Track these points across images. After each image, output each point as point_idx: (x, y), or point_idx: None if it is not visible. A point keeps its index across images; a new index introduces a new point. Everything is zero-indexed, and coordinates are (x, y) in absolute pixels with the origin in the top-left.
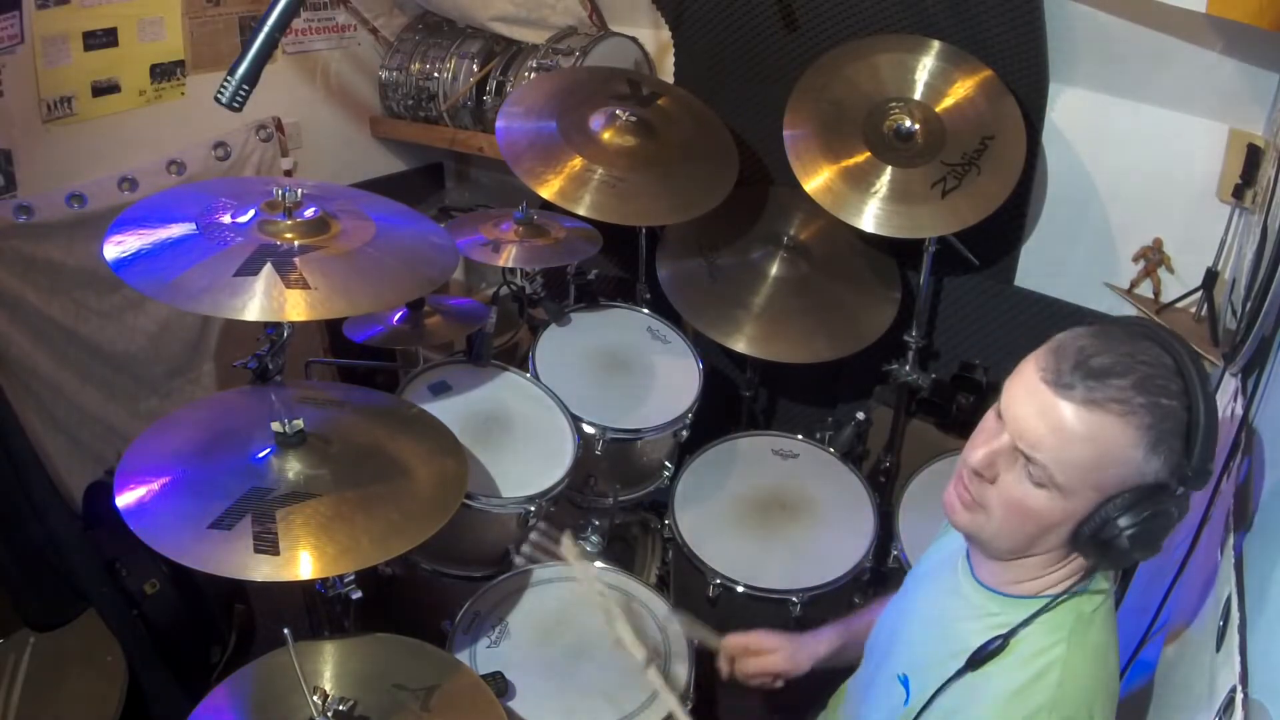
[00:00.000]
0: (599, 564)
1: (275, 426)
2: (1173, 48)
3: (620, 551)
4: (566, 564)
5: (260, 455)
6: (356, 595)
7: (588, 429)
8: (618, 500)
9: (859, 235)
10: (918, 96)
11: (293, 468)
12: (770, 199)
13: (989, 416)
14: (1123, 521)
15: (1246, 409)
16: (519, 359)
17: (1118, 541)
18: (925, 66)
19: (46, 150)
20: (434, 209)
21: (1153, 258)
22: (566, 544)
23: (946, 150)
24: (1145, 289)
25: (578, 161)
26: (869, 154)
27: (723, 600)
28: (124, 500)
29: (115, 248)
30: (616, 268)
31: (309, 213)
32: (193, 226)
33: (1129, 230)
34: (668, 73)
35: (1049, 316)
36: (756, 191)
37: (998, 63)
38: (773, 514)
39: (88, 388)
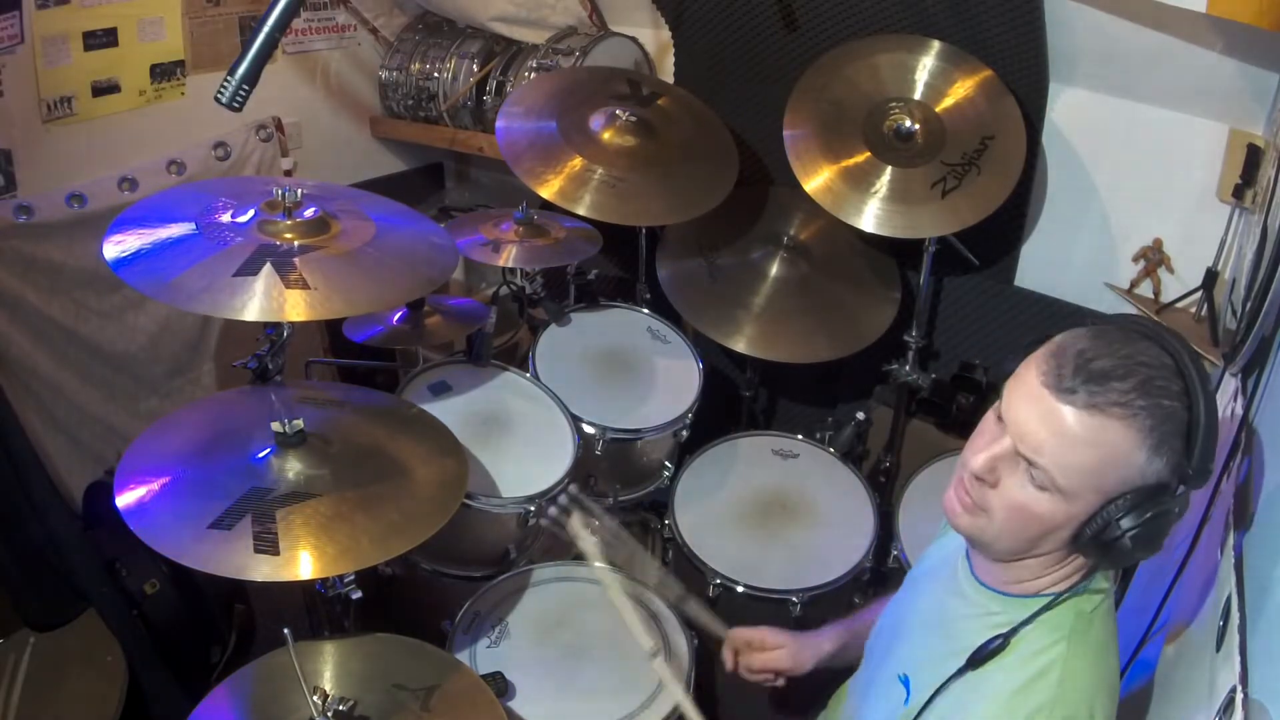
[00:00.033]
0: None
1: (275, 426)
2: (1173, 48)
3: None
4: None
5: (260, 455)
6: (356, 595)
7: (588, 429)
8: (618, 500)
9: (859, 235)
10: (918, 96)
11: (293, 468)
12: (770, 199)
13: (988, 419)
14: (1125, 522)
15: (1246, 409)
16: (519, 359)
17: (1120, 542)
18: (925, 66)
19: (46, 150)
20: (434, 209)
21: (1153, 258)
22: (575, 524)
23: (946, 150)
24: (1145, 289)
25: (578, 161)
26: (869, 154)
27: (723, 600)
28: (124, 500)
29: (115, 248)
30: (616, 268)
31: (309, 213)
32: (192, 226)
33: (1129, 230)
34: (668, 73)
35: (1049, 316)
36: (756, 191)
37: (998, 63)
38: (773, 514)
39: (88, 388)
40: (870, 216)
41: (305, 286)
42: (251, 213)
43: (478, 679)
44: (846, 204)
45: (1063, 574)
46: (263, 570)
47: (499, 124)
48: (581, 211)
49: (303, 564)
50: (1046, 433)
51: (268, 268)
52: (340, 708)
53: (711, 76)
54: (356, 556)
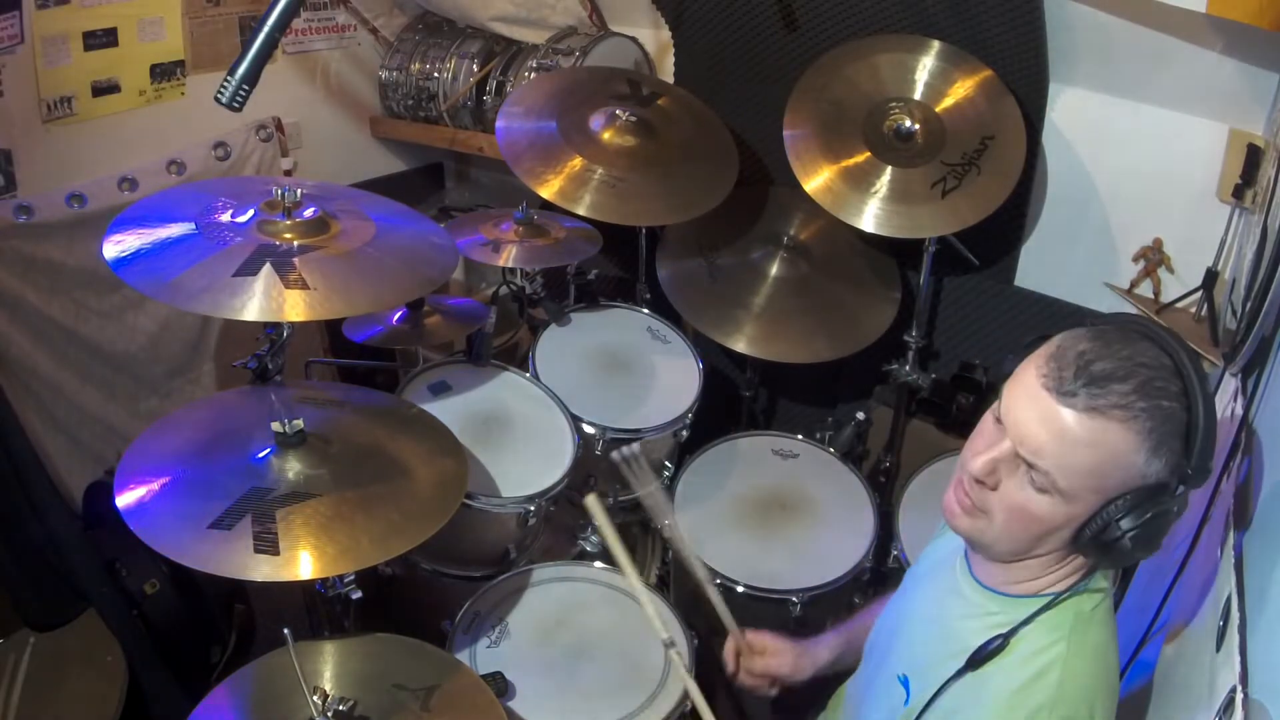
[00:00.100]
0: (599, 564)
1: (275, 426)
2: (1173, 48)
3: None
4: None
5: (260, 455)
6: (356, 595)
7: (588, 429)
8: (618, 500)
9: (859, 235)
10: (918, 96)
11: (293, 468)
12: (770, 199)
13: (987, 420)
14: (1125, 523)
15: (1246, 409)
16: (519, 359)
17: (1120, 543)
18: (925, 66)
19: (46, 150)
20: (434, 209)
21: (1153, 258)
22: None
23: (946, 150)
24: (1145, 289)
25: (578, 161)
26: (869, 154)
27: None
28: (124, 500)
29: (115, 247)
30: (616, 268)
31: (309, 213)
32: (192, 226)
33: (1129, 230)
34: (668, 73)
35: (1049, 316)
36: (756, 191)
37: (998, 63)
38: (773, 514)
39: (88, 388)
40: (870, 216)
41: (305, 286)
42: (251, 213)
43: (478, 679)
44: (846, 204)
45: (1062, 574)
46: (263, 570)
47: (499, 124)
48: (581, 211)
49: (303, 564)
50: (1047, 435)
51: (267, 268)
52: (340, 708)
53: (711, 76)
54: (356, 556)
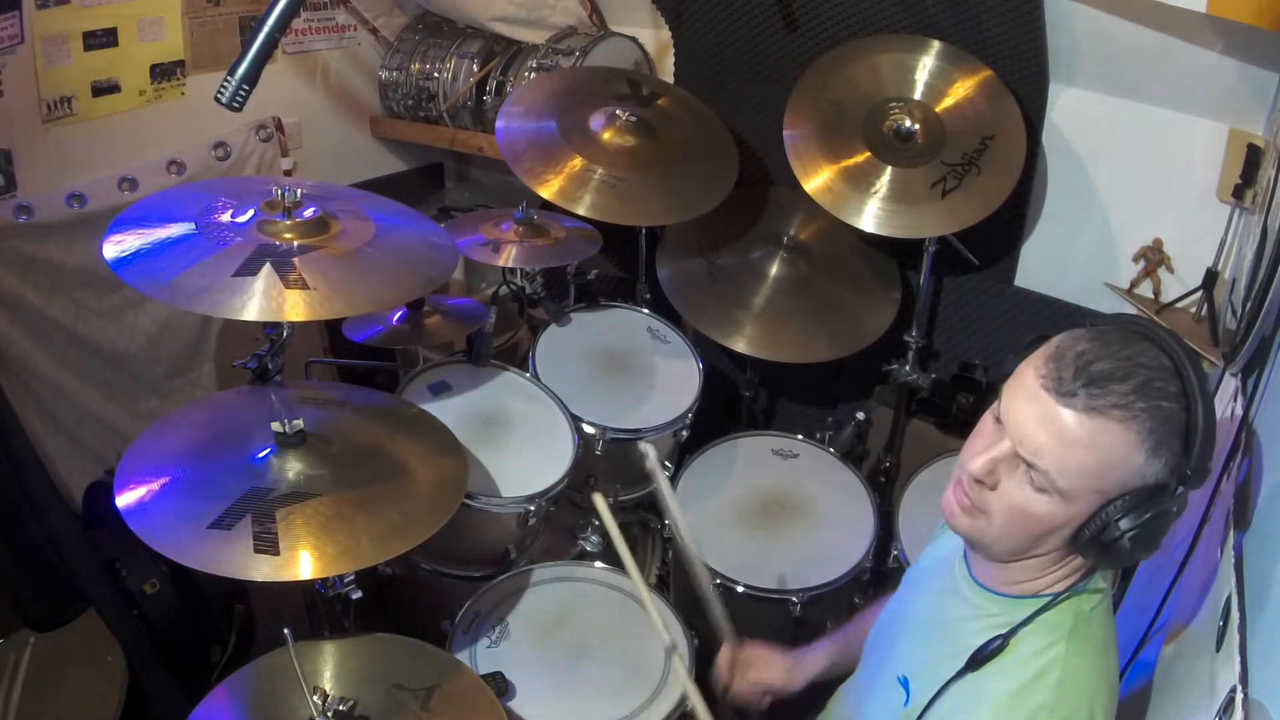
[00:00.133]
0: (599, 564)
1: (275, 426)
2: (1173, 48)
3: None
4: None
5: (260, 455)
6: (356, 595)
7: (588, 429)
8: (618, 500)
9: (859, 235)
10: (918, 96)
11: (293, 468)
12: (770, 199)
13: (986, 420)
14: (1124, 523)
15: (1246, 409)
16: (519, 359)
17: (1119, 543)
18: (925, 66)
19: (46, 150)
20: (434, 209)
21: (1153, 258)
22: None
23: (946, 150)
24: (1145, 289)
25: (578, 161)
26: (869, 154)
27: (722, 600)
28: (124, 500)
29: (115, 247)
30: (616, 268)
31: (308, 213)
32: (192, 226)
33: (1129, 230)
34: (668, 73)
35: (1049, 316)
36: (756, 191)
37: (998, 63)
38: (773, 514)
39: (88, 388)
40: (870, 216)
41: (305, 286)
42: (251, 213)
43: (478, 679)
44: (846, 204)
45: (1061, 574)
46: (263, 570)
47: (499, 124)
48: (581, 211)
49: (303, 564)
50: (1046, 435)
51: (267, 268)
52: (340, 708)
53: (711, 76)
54: (356, 556)
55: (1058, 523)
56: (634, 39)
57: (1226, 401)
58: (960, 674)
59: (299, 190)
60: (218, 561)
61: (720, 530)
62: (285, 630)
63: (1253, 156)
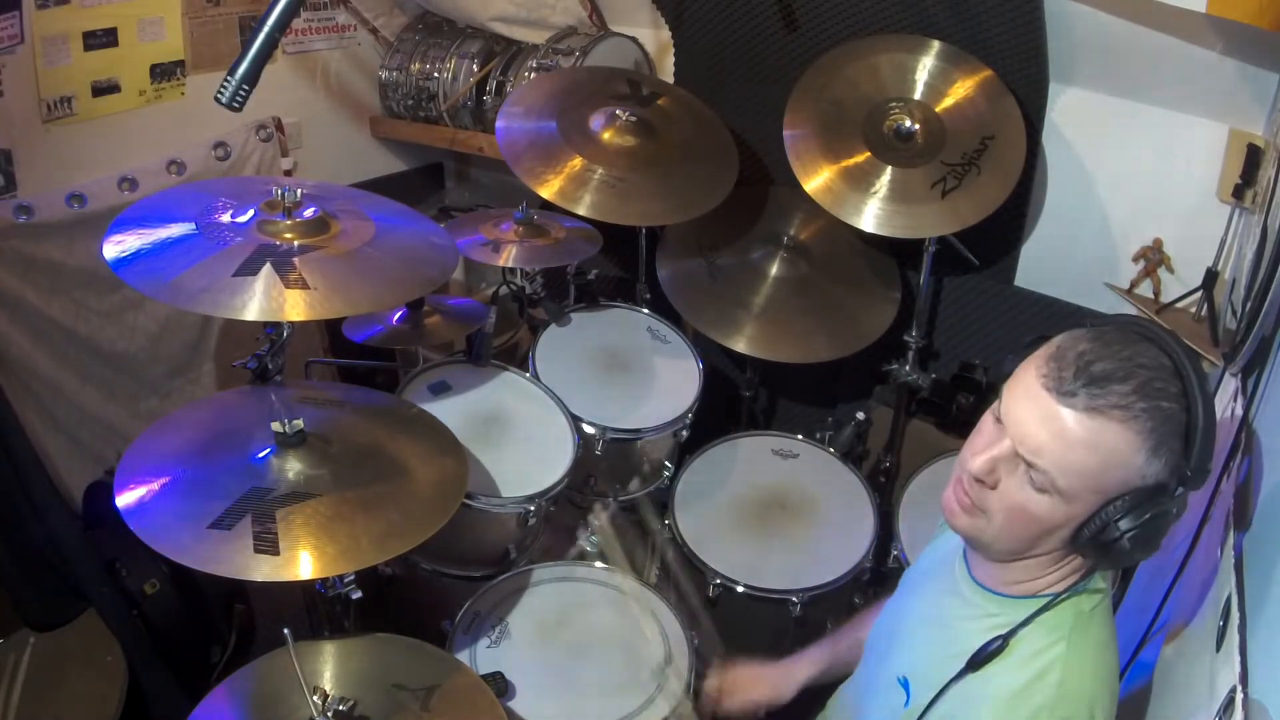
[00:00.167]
0: (599, 564)
1: (275, 426)
2: (1173, 48)
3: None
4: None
5: (260, 455)
6: (356, 595)
7: (588, 429)
8: (618, 500)
9: (859, 235)
10: (918, 96)
11: (293, 468)
12: (770, 199)
13: (986, 420)
14: (1124, 523)
15: (1246, 409)
16: (519, 359)
17: (1119, 543)
18: (925, 66)
19: (46, 150)
20: (434, 209)
21: (1153, 258)
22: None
23: (946, 150)
24: (1145, 289)
25: (578, 161)
26: (869, 154)
27: (723, 600)
28: (124, 500)
29: (115, 247)
30: (616, 268)
31: (309, 213)
32: (192, 226)
33: (1129, 230)
34: (668, 73)
35: (1049, 316)
36: (756, 191)
37: (998, 63)
38: (773, 514)
39: (88, 388)
40: (870, 216)
41: (305, 286)
42: (251, 213)
43: (478, 679)
44: (846, 204)
45: (1061, 574)
46: (263, 570)
47: (499, 124)
48: (581, 211)
49: (303, 564)
50: (1046, 435)
51: (267, 268)
52: (340, 708)
53: (711, 76)
54: (356, 556)
55: (1057, 522)
56: (634, 39)
57: (1226, 401)
58: (960, 674)
59: (299, 190)
60: (218, 561)
61: (720, 530)
62: (285, 630)
63: (1253, 156)
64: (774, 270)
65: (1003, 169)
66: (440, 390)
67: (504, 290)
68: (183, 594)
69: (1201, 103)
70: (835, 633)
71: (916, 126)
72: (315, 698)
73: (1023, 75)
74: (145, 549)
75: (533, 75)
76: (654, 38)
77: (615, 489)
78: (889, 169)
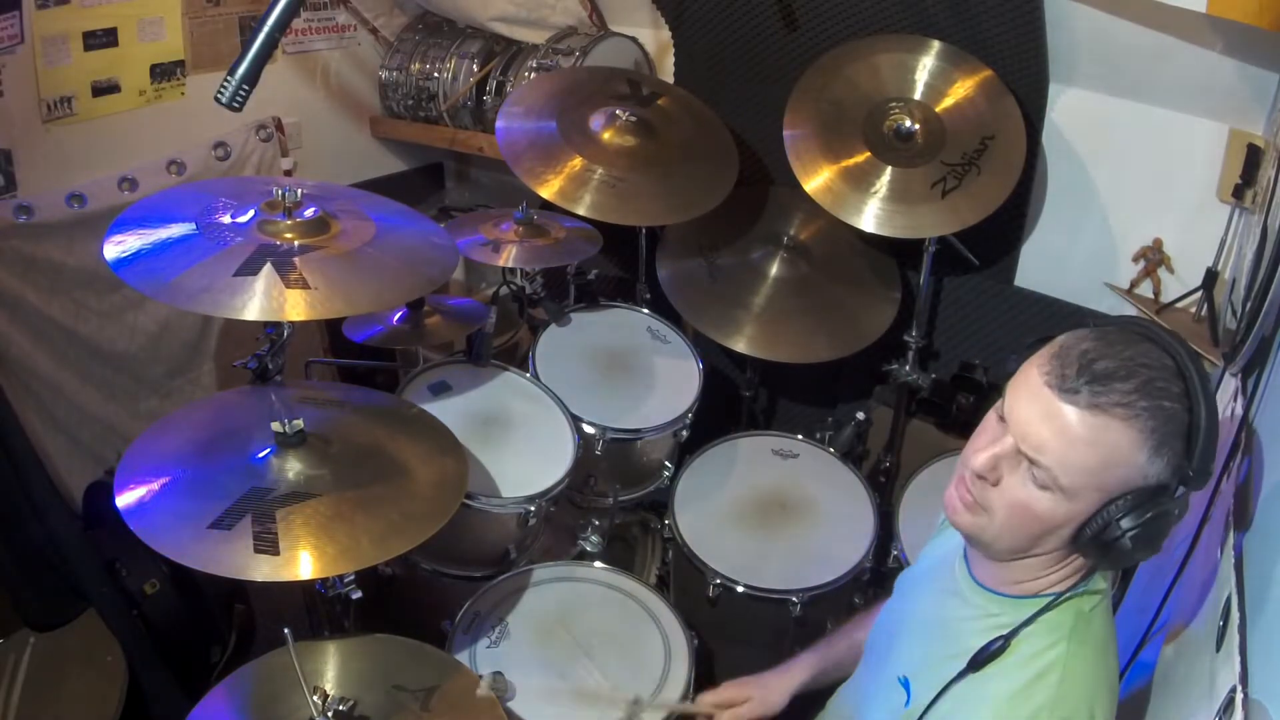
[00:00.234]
0: (599, 564)
1: (275, 426)
2: (1173, 48)
3: (620, 551)
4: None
5: (260, 455)
6: (356, 595)
7: (588, 429)
8: (618, 500)
9: (859, 235)
10: (918, 96)
11: (293, 468)
12: (770, 199)
13: (990, 418)
14: (1125, 523)
15: (1246, 409)
16: (519, 359)
17: (1120, 542)
18: (925, 66)
19: (46, 150)
20: (434, 209)
21: (1153, 258)
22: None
23: (946, 150)
24: (1145, 289)
25: (578, 161)
26: (869, 154)
27: (723, 600)
28: (124, 500)
29: (115, 248)
30: (616, 268)
31: (309, 213)
32: (193, 226)
33: (1129, 230)
34: (668, 73)
35: (1049, 316)
36: (756, 191)
37: (998, 63)
38: (773, 514)
39: (88, 388)
40: (870, 216)
41: (305, 286)
42: (251, 213)
43: (478, 679)
44: (846, 204)
45: (1062, 574)
46: (263, 570)
47: (499, 124)
48: (581, 211)
49: (303, 564)
50: (1049, 432)
51: (268, 267)
52: (340, 708)
53: (711, 76)
54: (356, 556)
55: (1059, 520)
56: (634, 39)
57: (1226, 401)
58: (961, 675)
59: (299, 190)
60: (218, 561)
61: (720, 530)
62: (285, 630)
63: (1253, 156)
64: (774, 270)
65: (1003, 169)
66: (440, 390)
67: (504, 290)
68: (183, 594)
69: (1201, 103)
70: (830, 637)
71: (916, 126)
72: (315, 698)
73: (1023, 75)
74: (145, 549)
75: (533, 75)
76: (654, 38)
77: (615, 489)
78: (889, 169)
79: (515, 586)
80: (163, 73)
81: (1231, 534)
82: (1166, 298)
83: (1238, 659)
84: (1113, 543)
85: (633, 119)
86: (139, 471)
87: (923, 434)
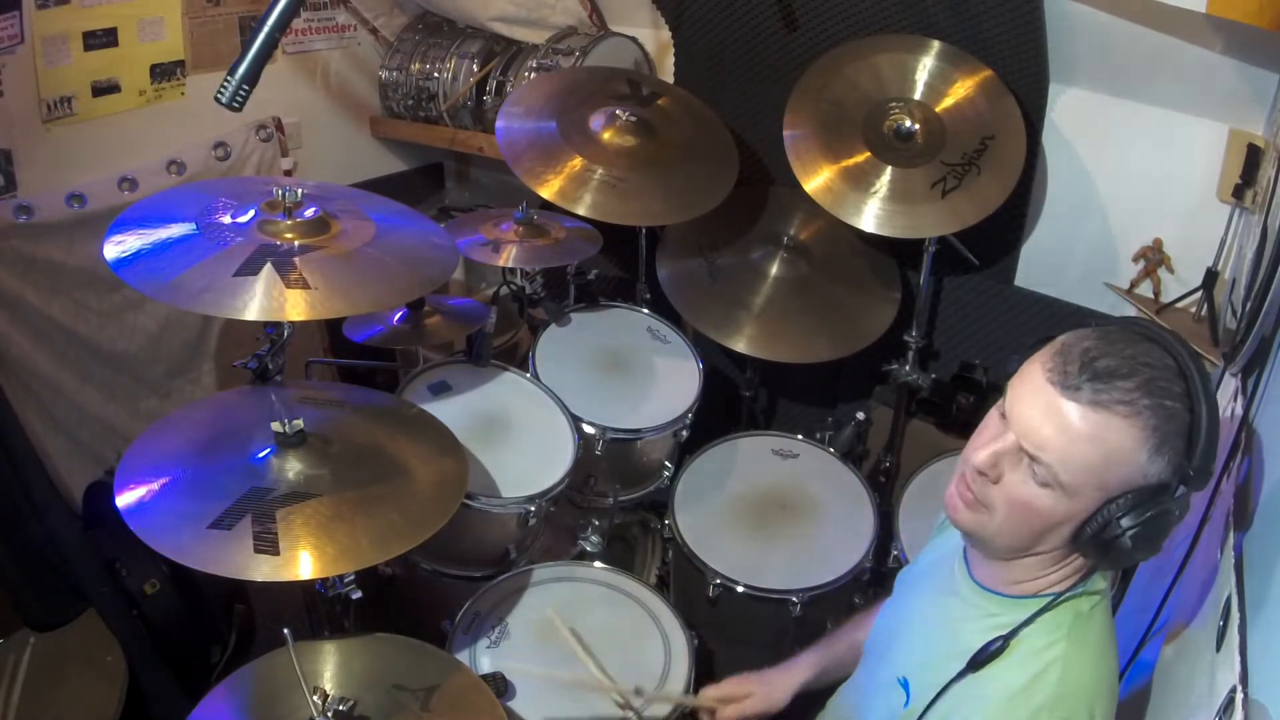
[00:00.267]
0: (599, 564)
1: (275, 426)
2: (1173, 48)
3: (620, 551)
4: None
5: (260, 455)
6: (356, 595)
7: (588, 429)
8: (618, 500)
9: (859, 235)
10: (918, 96)
11: (293, 468)
12: (770, 199)
13: (992, 416)
14: (1125, 522)
15: (1246, 409)
16: (519, 359)
17: (1119, 541)
18: (925, 66)
19: (46, 150)
20: (434, 209)
21: (1153, 258)
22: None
23: (946, 150)
24: (1145, 289)
25: (578, 161)
26: (869, 154)
27: (723, 600)
28: (124, 500)
29: (115, 248)
30: (616, 268)
31: (309, 213)
32: (193, 226)
33: (1129, 230)
34: (668, 73)
35: (1049, 316)
36: (756, 191)
37: (998, 63)
38: (773, 514)
39: (88, 388)
40: (870, 216)
41: (305, 286)
42: (251, 213)
43: (478, 679)
44: (846, 204)
45: (1061, 574)
46: (263, 570)
47: (499, 124)
48: (581, 211)
49: (303, 564)
50: (1050, 428)
51: (268, 267)
52: (340, 708)
53: (711, 76)
54: (356, 556)
55: (1059, 518)
56: (634, 39)
57: (1226, 401)
58: (960, 675)
59: (299, 190)
60: (218, 561)
61: (720, 530)
62: (285, 630)
63: (1253, 156)
64: (774, 270)
65: (1003, 169)
66: (440, 390)
67: (504, 290)
68: (183, 594)
69: (1201, 103)
70: (830, 636)
71: (916, 126)
72: (315, 698)
73: (1023, 75)
74: (145, 549)
75: (533, 75)
76: (654, 38)
77: (615, 489)
78: (889, 169)
79: (515, 586)
80: (163, 73)
81: (1231, 534)
82: (1166, 298)
83: (1238, 659)
84: (1112, 541)
85: (633, 119)
86: (139, 471)
87: (923, 434)
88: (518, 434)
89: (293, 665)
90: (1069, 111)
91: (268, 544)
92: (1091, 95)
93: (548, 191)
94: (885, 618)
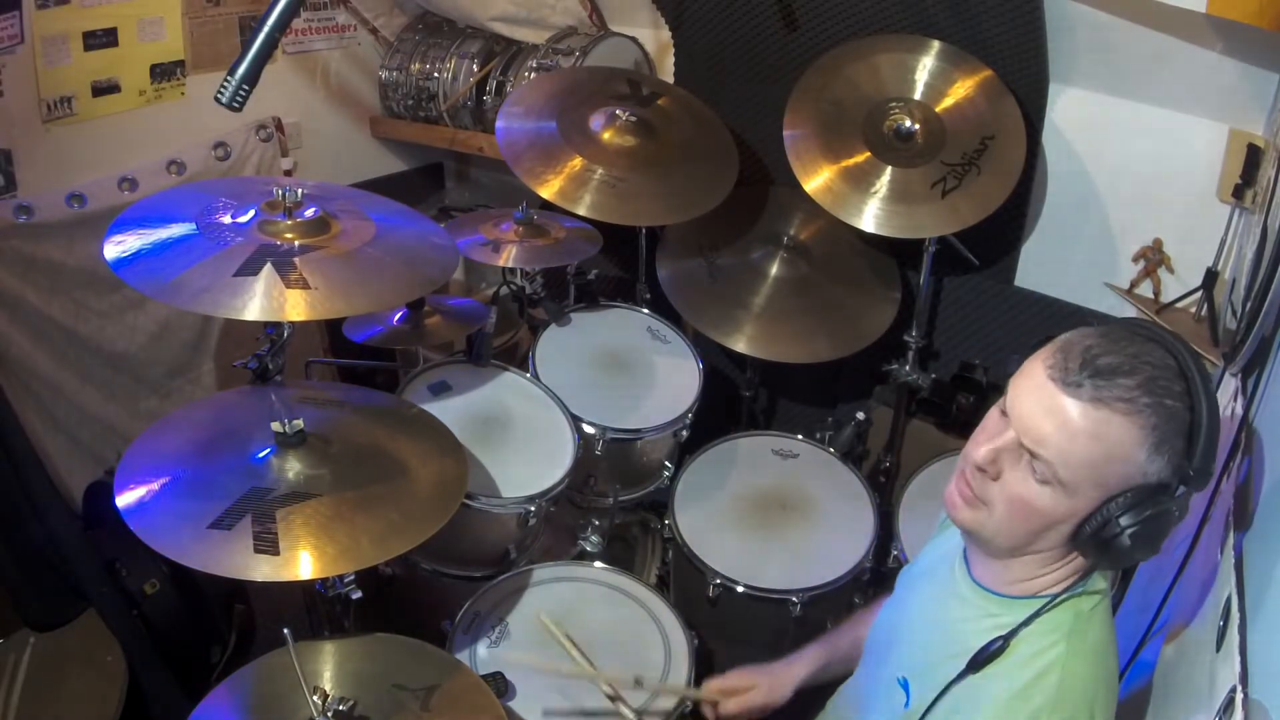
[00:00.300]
0: (599, 564)
1: (275, 426)
2: (1173, 48)
3: (620, 551)
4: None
5: (260, 455)
6: (356, 595)
7: (588, 429)
8: (618, 500)
9: (859, 235)
10: (918, 96)
11: (293, 468)
12: (770, 199)
13: (992, 413)
14: (1124, 520)
15: (1246, 409)
16: (519, 359)
17: (1119, 540)
18: (925, 66)
19: (46, 150)
20: (434, 209)
21: (1153, 258)
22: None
23: (946, 150)
24: (1145, 289)
25: (578, 161)
26: (869, 154)
27: (723, 600)
28: (124, 500)
29: (115, 248)
30: (616, 268)
31: (309, 213)
32: (193, 226)
33: (1129, 230)
34: (668, 73)
35: (1049, 316)
36: (756, 191)
37: (998, 63)
38: (773, 514)
39: (88, 388)
40: (870, 216)
41: (305, 286)
42: (252, 213)
43: (478, 679)
44: (846, 204)
45: (1061, 574)
46: (263, 570)
47: (499, 124)
48: (581, 211)
49: (303, 564)
50: (1051, 425)
51: (268, 267)
52: (340, 708)
53: (711, 76)
54: (356, 556)
55: (1059, 516)
56: (634, 39)
57: (1226, 401)
58: (961, 675)
59: (299, 190)
60: (218, 561)
61: (720, 530)
62: (285, 630)
63: (1253, 156)
64: (774, 270)
65: (1003, 169)
66: (440, 390)
67: (504, 290)
68: (183, 594)
69: (1201, 103)
70: (834, 631)
71: (916, 126)
72: (315, 698)
73: (1023, 75)
74: (145, 549)
75: (533, 75)
76: (654, 38)
77: (615, 489)
78: (889, 169)
79: (515, 586)
80: (163, 73)
81: (1231, 534)
82: (1166, 298)
83: (1238, 659)
84: (1112, 540)
85: (633, 119)
86: (139, 471)
87: (923, 434)
88: (518, 434)
89: (293, 665)
90: (1069, 111)
91: (268, 544)
92: (1091, 95)
93: (548, 191)
94: (885, 618)
